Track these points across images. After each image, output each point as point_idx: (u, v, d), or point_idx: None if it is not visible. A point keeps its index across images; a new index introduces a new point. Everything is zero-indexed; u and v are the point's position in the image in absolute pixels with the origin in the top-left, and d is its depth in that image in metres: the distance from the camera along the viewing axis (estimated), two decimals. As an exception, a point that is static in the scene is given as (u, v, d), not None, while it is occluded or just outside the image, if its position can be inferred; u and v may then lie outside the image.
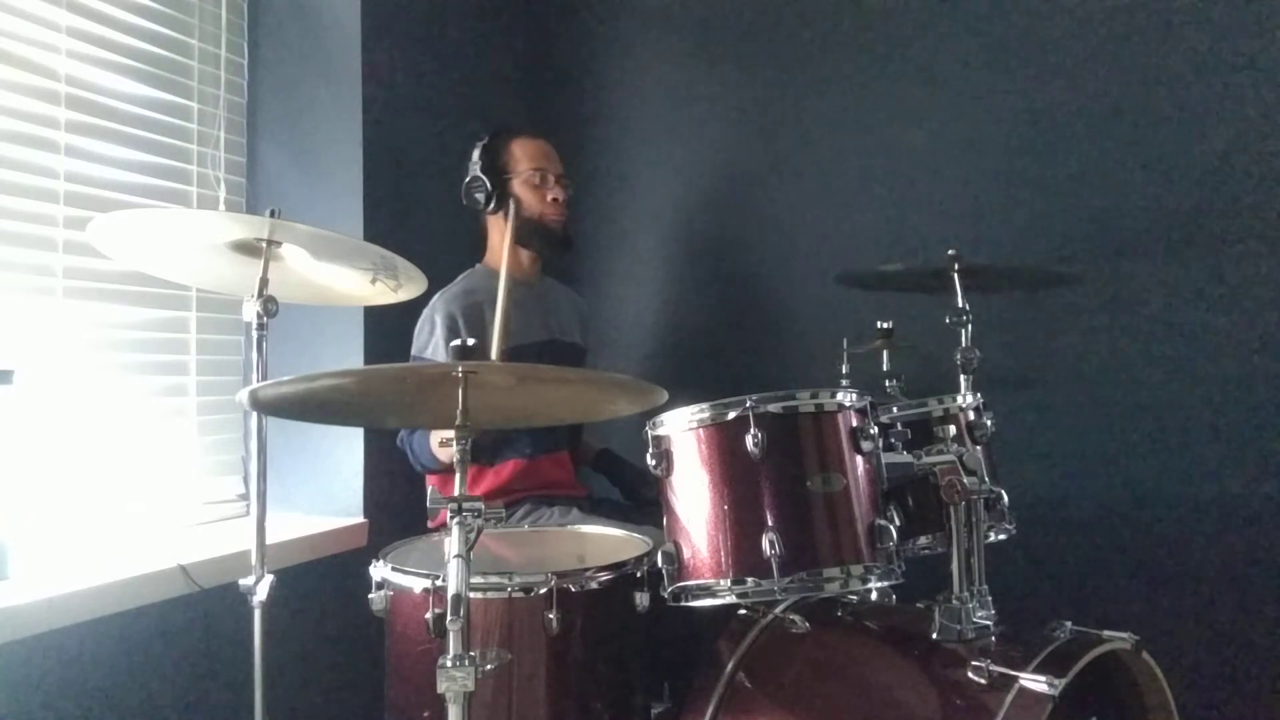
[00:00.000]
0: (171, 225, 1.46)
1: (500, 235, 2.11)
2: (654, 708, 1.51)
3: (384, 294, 1.58)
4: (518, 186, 2.08)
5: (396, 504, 2.08)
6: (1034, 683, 1.19)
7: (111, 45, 1.82)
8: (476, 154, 2.09)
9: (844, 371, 1.97)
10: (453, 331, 1.94)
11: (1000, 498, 1.51)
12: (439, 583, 1.34)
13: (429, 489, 1.83)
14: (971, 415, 1.59)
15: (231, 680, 1.71)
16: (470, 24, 2.60)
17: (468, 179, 2.09)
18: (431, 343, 1.96)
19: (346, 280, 1.55)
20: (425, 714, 1.39)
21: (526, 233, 2.09)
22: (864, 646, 1.51)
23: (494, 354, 1.72)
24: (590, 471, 2.27)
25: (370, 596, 1.45)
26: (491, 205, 2.07)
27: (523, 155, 2.09)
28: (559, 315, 2.19)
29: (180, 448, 1.95)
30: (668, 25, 2.67)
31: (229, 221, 1.45)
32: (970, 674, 1.25)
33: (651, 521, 1.60)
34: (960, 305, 1.66)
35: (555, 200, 2.09)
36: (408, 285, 1.55)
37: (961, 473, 1.38)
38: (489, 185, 2.06)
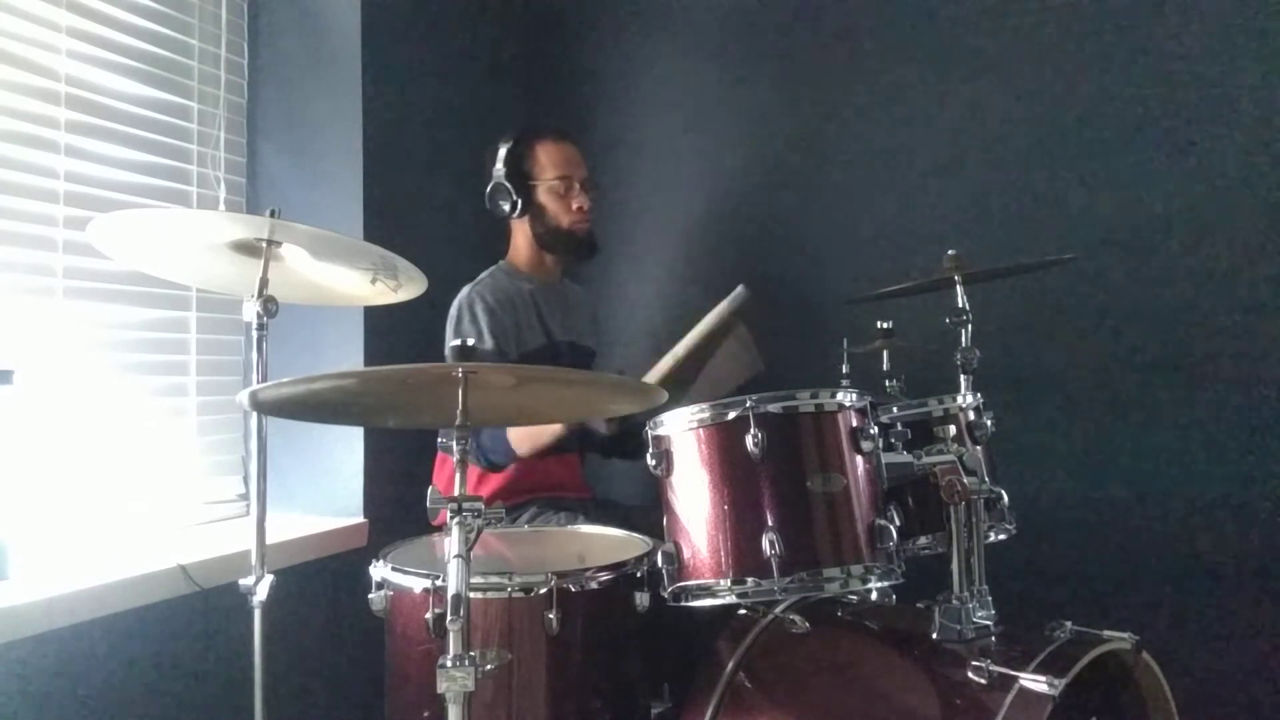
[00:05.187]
0: (171, 225, 1.46)
1: (525, 237, 2.11)
2: (654, 708, 1.51)
3: (384, 294, 1.58)
4: (543, 194, 2.05)
5: (396, 504, 2.08)
6: (1034, 683, 1.19)
7: (111, 45, 1.82)
8: (500, 156, 2.05)
9: (844, 371, 1.97)
10: (494, 317, 1.94)
11: (1000, 498, 1.51)
12: (439, 583, 1.34)
13: (430, 489, 1.83)
14: (971, 415, 1.59)
15: (231, 680, 1.71)
16: (470, 24, 2.60)
17: (491, 184, 2.07)
18: (475, 330, 1.94)
19: (347, 280, 1.55)
20: (425, 714, 1.39)
21: (552, 241, 2.08)
22: (864, 646, 1.51)
23: (654, 376, 1.70)
24: (592, 472, 2.27)
25: (370, 596, 1.45)
26: (516, 212, 2.06)
27: (548, 161, 2.05)
28: (577, 318, 2.19)
29: (180, 448, 1.95)
30: (672, 26, 2.67)
31: (229, 222, 1.45)
32: (970, 674, 1.24)
33: (654, 523, 1.60)
34: (960, 305, 1.66)
35: (580, 209, 2.06)
36: (408, 285, 1.55)
37: (961, 473, 1.38)
38: (513, 192, 2.04)
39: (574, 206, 2.06)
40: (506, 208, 2.06)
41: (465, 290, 2.00)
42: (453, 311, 2.00)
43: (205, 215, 1.68)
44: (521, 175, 2.05)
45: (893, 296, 1.87)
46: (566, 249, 2.10)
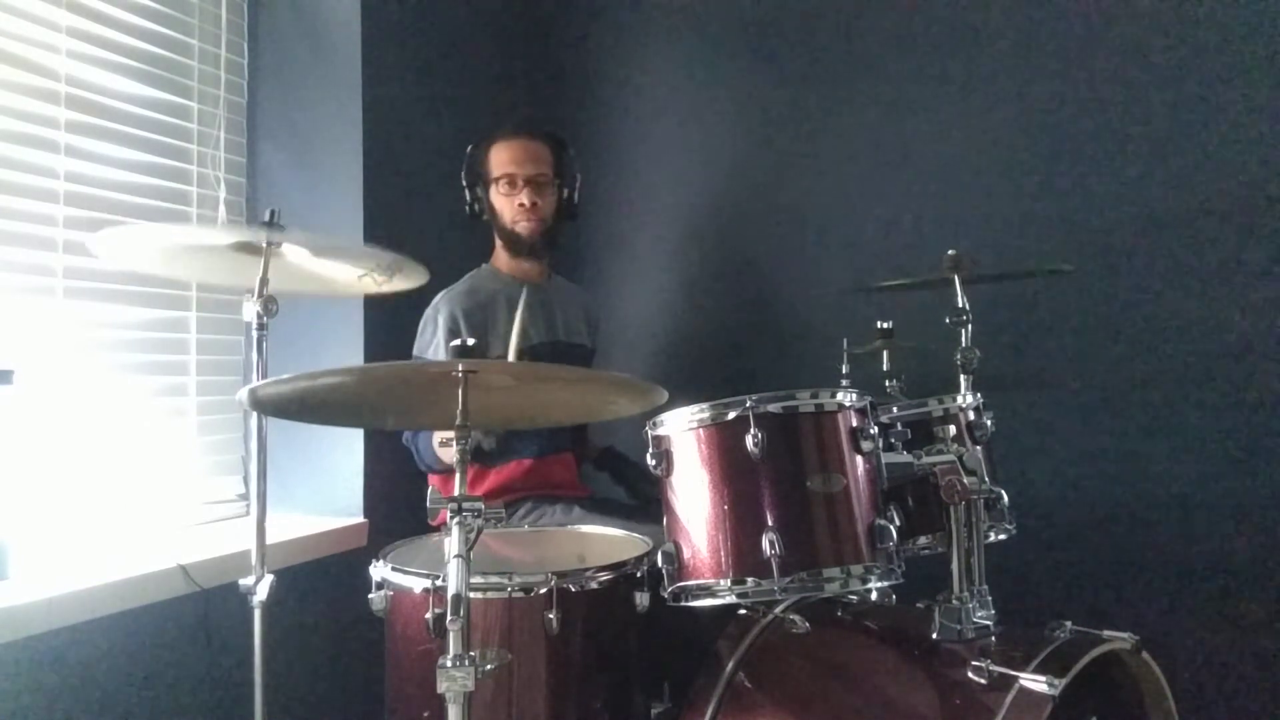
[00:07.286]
0: (170, 238, 1.44)
1: (498, 239, 2.12)
2: (654, 708, 1.51)
3: (374, 285, 1.57)
4: (494, 195, 2.05)
5: (396, 504, 2.07)
6: (1034, 683, 1.19)
7: (111, 45, 1.82)
8: (465, 162, 2.08)
9: (844, 371, 1.97)
10: (453, 332, 1.94)
11: (1000, 498, 1.51)
12: (439, 583, 1.34)
13: (429, 489, 1.84)
14: (971, 415, 1.59)
15: (231, 680, 1.71)
16: (470, 24, 2.60)
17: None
18: (433, 344, 1.96)
19: (346, 273, 1.54)
20: (425, 714, 1.39)
21: (506, 242, 2.10)
22: (864, 646, 1.51)
23: (510, 356, 1.71)
24: (593, 471, 2.26)
25: (370, 596, 1.45)
26: (479, 216, 2.08)
27: (496, 162, 2.04)
28: (564, 316, 2.18)
29: (180, 448, 1.95)
30: (671, 25, 2.67)
31: (228, 233, 1.44)
32: (970, 674, 1.25)
33: (653, 522, 1.60)
34: (960, 305, 1.66)
35: (523, 206, 2.02)
36: (398, 279, 1.53)
37: (961, 473, 1.38)
38: (469, 196, 2.07)
39: (517, 204, 2.03)
40: (468, 211, 2.09)
41: (438, 298, 2.01)
42: (424, 317, 2.01)
43: (204, 231, 1.66)
44: (478, 179, 2.07)
45: (893, 291, 1.87)
46: (515, 249, 2.09)
